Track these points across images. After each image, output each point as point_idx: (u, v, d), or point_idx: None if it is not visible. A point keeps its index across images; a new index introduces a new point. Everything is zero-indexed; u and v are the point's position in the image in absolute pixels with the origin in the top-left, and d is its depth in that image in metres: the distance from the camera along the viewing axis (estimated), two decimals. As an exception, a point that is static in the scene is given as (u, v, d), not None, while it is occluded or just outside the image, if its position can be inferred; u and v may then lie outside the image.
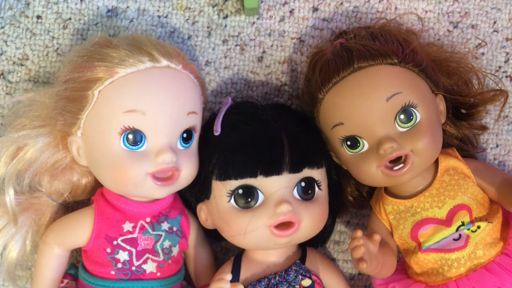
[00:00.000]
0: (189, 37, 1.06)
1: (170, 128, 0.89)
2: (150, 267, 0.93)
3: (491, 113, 1.05)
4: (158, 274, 0.93)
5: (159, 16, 1.06)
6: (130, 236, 0.92)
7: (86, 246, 0.93)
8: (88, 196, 1.00)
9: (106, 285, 0.92)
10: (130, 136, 0.88)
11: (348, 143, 0.91)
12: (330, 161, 0.97)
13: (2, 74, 1.05)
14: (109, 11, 1.06)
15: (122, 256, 0.92)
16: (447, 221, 0.91)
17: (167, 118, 0.89)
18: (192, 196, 0.98)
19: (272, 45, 1.07)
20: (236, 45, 1.07)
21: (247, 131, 0.92)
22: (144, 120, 0.87)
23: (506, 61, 1.06)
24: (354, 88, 0.90)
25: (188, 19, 1.06)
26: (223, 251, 1.06)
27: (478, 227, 0.91)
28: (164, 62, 0.90)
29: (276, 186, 0.90)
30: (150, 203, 0.94)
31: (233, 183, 0.90)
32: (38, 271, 0.94)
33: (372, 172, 0.90)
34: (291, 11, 1.07)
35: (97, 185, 0.97)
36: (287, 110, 1.01)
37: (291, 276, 0.92)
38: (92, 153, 0.91)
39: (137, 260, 0.92)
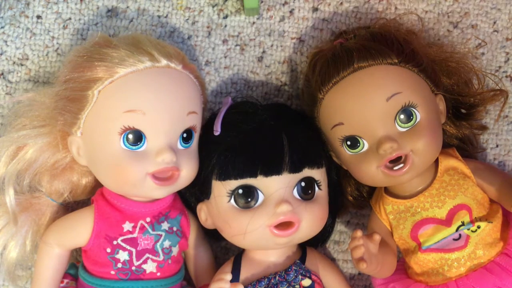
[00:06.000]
0: (189, 37, 1.06)
1: (170, 128, 0.89)
2: (150, 267, 0.93)
3: (491, 113, 1.05)
4: (158, 274, 0.93)
5: (159, 16, 1.06)
6: (130, 236, 0.92)
7: (86, 246, 0.93)
8: (88, 196, 1.00)
9: (106, 285, 0.92)
10: (130, 136, 0.88)
11: (348, 143, 0.91)
12: (330, 161, 0.97)
13: (2, 74, 1.05)
14: (109, 11, 1.06)
15: (122, 256, 0.92)
16: (447, 221, 0.91)
17: (167, 118, 0.89)
18: (192, 196, 0.98)
19: (272, 45, 1.07)
20: (236, 45, 1.07)
21: (247, 131, 0.92)
22: (144, 120, 0.87)
23: (506, 61, 1.06)
24: (354, 88, 0.90)
25: (188, 19, 1.06)
26: (223, 251, 1.05)
27: (478, 227, 0.91)
28: (164, 62, 0.90)
29: (276, 186, 0.90)
30: (150, 203, 0.94)
31: (233, 183, 0.90)
32: (38, 271, 0.94)
33: (372, 172, 0.90)
34: (291, 11, 1.07)
35: (97, 185, 0.97)
36: (287, 110, 1.00)
37: (291, 276, 0.92)
38: (92, 153, 0.91)
39: (137, 260, 0.92)
